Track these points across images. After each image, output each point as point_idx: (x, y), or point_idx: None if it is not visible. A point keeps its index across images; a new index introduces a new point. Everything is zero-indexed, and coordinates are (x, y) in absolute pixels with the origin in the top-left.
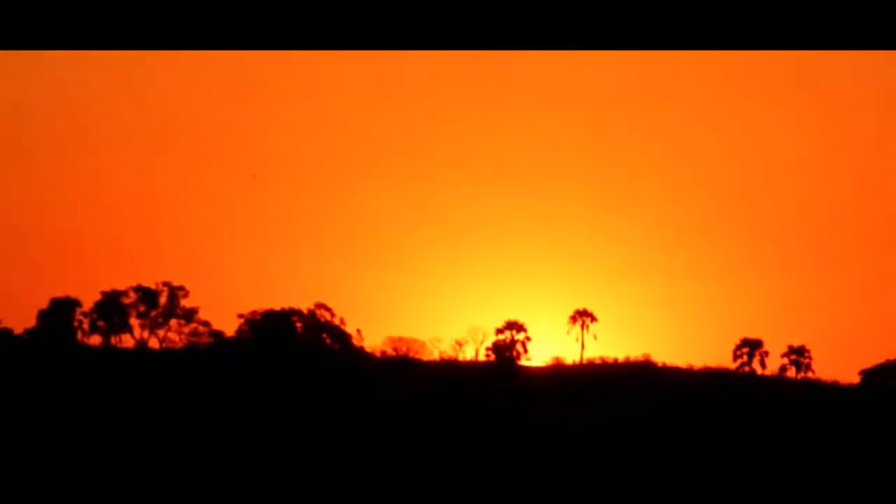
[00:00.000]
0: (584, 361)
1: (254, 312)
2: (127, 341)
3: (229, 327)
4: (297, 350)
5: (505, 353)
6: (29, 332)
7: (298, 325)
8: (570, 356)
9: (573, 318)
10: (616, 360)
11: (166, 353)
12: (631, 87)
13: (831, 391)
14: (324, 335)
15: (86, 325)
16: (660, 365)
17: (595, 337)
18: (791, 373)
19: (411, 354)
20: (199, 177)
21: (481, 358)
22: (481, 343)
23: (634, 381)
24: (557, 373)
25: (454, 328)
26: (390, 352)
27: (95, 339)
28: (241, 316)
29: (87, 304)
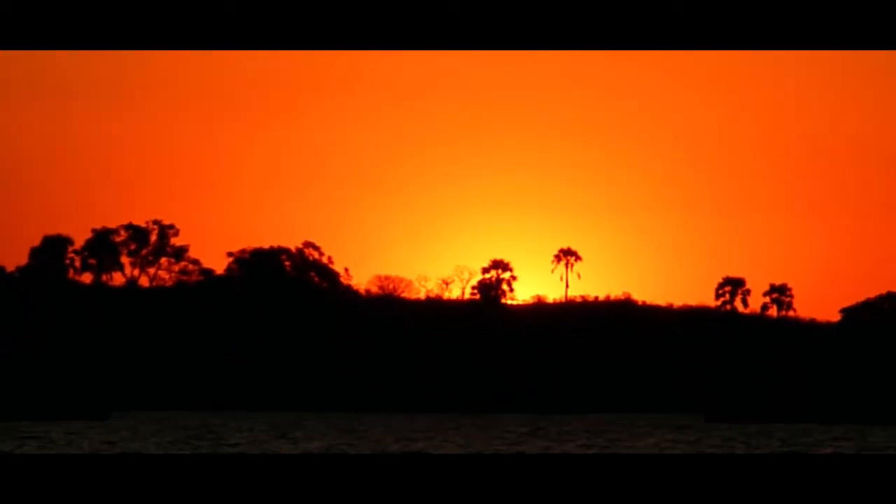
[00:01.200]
0: (566, 300)
1: (243, 251)
2: (118, 279)
3: (219, 265)
4: (285, 287)
5: (490, 291)
6: (21, 270)
7: (287, 263)
8: (554, 294)
9: (557, 258)
10: (597, 298)
11: (156, 291)
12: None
13: (811, 328)
14: (312, 273)
15: (77, 263)
16: (640, 303)
17: (579, 276)
18: (773, 311)
19: (398, 293)
20: (188, 117)
21: (467, 296)
22: (467, 282)
23: (615, 319)
24: (538, 311)
25: (441, 267)
26: (377, 290)
27: (86, 277)
28: (230, 254)
29: (79, 243)
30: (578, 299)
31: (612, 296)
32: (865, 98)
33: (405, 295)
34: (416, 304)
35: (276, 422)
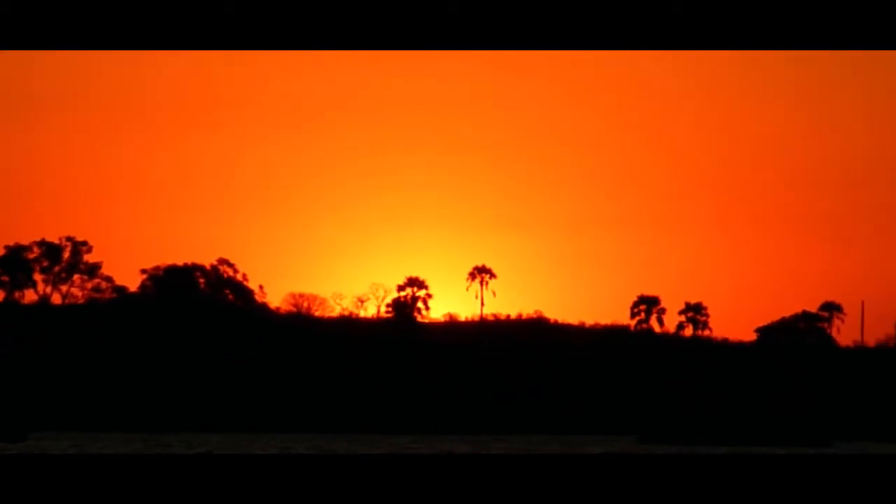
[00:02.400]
0: (477, 318)
1: (156, 268)
2: (30, 296)
3: (132, 282)
4: (199, 305)
5: (405, 309)
6: None
7: (201, 280)
8: (470, 312)
9: (472, 275)
10: (508, 316)
11: (69, 308)
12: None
13: (727, 349)
14: (226, 290)
15: None
16: (553, 322)
17: (494, 294)
18: (688, 330)
19: (312, 311)
20: (100, 133)
21: (382, 314)
22: (383, 300)
23: (529, 338)
24: (450, 330)
25: (356, 285)
26: (291, 308)
27: None
28: (144, 271)
29: None
30: (492, 317)
31: (525, 314)
32: (778, 116)
33: (319, 313)
34: (330, 322)
35: (192, 442)
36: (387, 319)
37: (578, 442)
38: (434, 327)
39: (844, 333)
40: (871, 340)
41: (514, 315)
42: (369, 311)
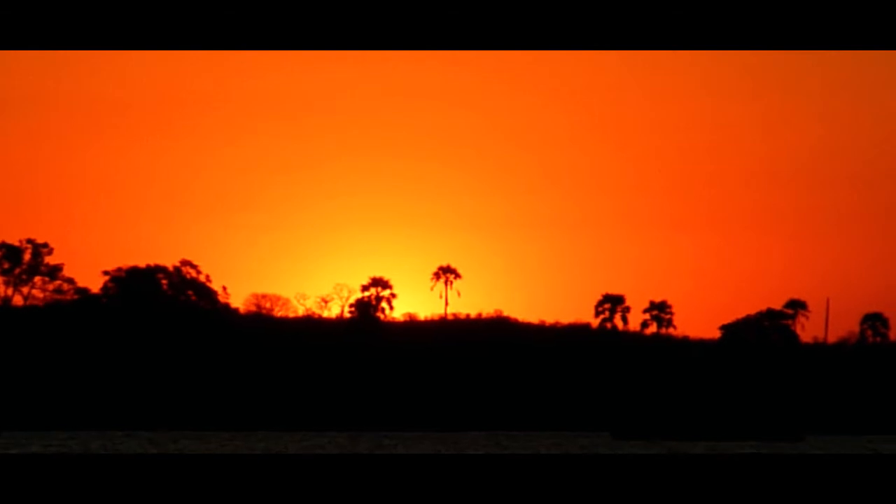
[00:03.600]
0: (438, 317)
1: (119, 269)
2: None
3: (94, 284)
4: (162, 306)
5: (367, 309)
6: None
7: (164, 282)
8: (434, 312)
9: (436, 275)
10: (469, 315)
11: (31, 310)
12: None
13: (691, 346)
14: (189, 292)
15: None
16: (515, 321)
17: (459, 293)
18: (652, 328)
19: (274, 311)
20: (61, 135)
21: (346, 314)
22: (347, 300)
23: (493, 337)
24: (412, 329)
25: (321, 285)
26: (254, 308)
27: None
28: (106, 273)
29: None
30: (451, 317)
31: (484, 314)
32: (740, 115)
33: (282, 313)
34: (293, 322)
35: (155, 441)
36: (350, 319)
37: (557, 438)
38: (396, 327)
39: (809, 331)
40: (833, 337)
41: (481, 314)
42: (333, 311)
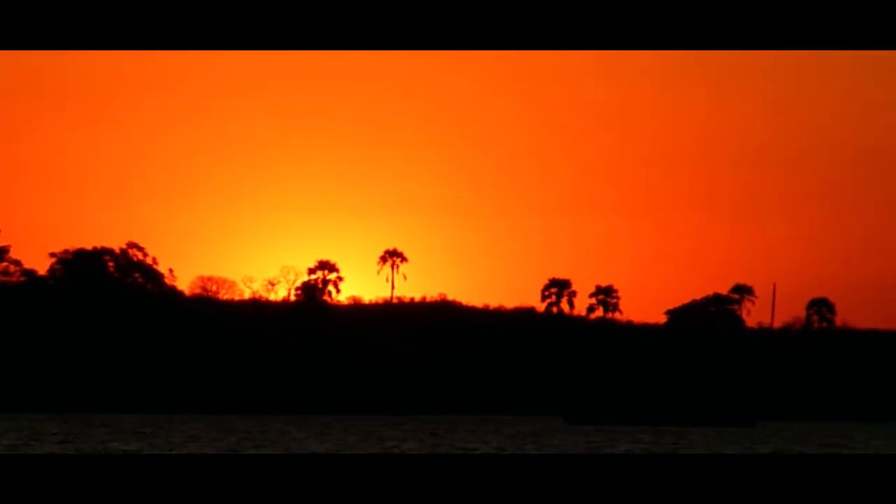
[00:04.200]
0: (382, 301)
1: (65, 251)
2: None
3: (41, 266)
4: (109, 289)
5: (313, 292)
6: None
7: (110, 264)
8: (380, 296)
9: (383, 259)
10: (413, 299)
11: None
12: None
13: (637, 330)
14: (136, 274)
15: None
16: (460, 304)
17: (405, 277)
18: (599, 313)
19: (219, 294)
20: (7, 120)
21: (292, 297)
22: (293, 283)
23: (438, 320)
24: (357, 312)
25: (267, 268)
26: (199, 291)
27: None
28: (52, 255)
29: None
30: (395, 300)
31: (429, 297)
32: (685, 99)
33: (227, 296)
34: (239, 305)
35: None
36: (296, 302)
37: (509, 421)
38: (342, 310)
39: (755, 316)
40: (779, 323)
41: (422, 297)
42: (280, 294)
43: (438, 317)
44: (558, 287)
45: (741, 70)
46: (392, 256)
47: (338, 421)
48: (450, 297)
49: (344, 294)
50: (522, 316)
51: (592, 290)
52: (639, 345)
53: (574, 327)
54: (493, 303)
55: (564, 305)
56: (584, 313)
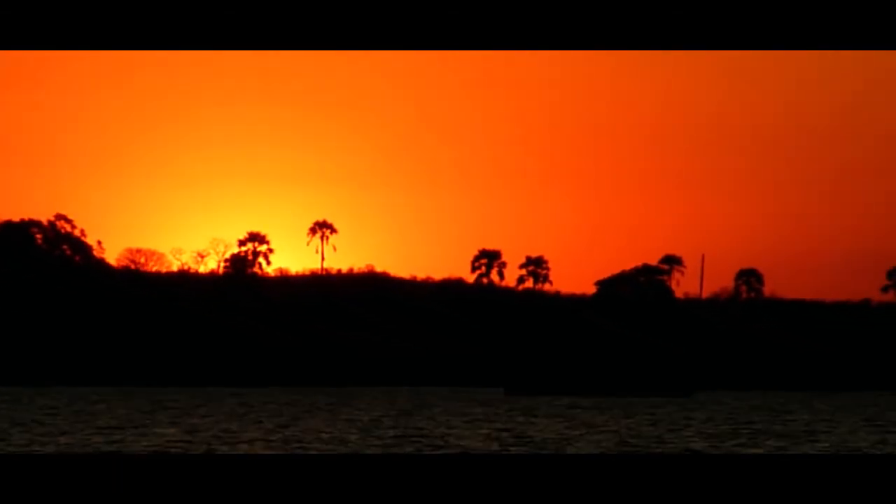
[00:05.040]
0: (309, 272)
1: None
2: None
3: None
4: (37, 261)
5: (240, 264)
6: None
7: (38, 236)
8: (310, 267)
9: (312, 230)
10: (340, 270)
11: None
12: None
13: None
14: (64, 246)
15: None
16: (389, 275)
17: (335, 248)
18: (529, 284)
19: (147, 266)
20: None
21: (221, 270)
22: (223, 255)
23: (367, 292)
24: (285, 284)
25: (197, 240)
26: (127, 263)
27: None
28: None
29: None
30: (322, 272)
31: (356, 269)
32: (618, 72)
33: (156, 268)
34: (167, 277)
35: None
36: (224, 274)
37: (445, 395)
38: (270, 282)
39: (683, 286)
40: (707, 293)
41: (350, 269)
42: (209, 266)
43: (366, 288)
44: (488, 258)
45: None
46: (322, 228)
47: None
48: (378, 269)
49: (274, 266)
50: (451, 287)
51: (522, 261)
52: (572, 315)
53: (504, 298)
54: (421, 274)
55: (495, 276)
56: (513, 284)
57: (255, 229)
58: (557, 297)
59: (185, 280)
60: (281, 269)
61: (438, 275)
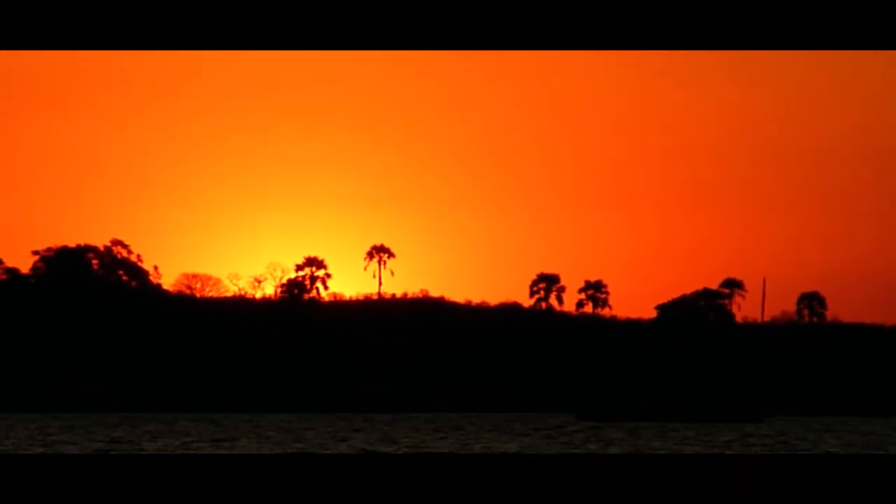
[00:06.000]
0: (363, 297)
1: (48, 249)
2: None
3: (24, 264)
4: (93, 287)
5: (294, 289)
6: None
7: (94, 262)
8: (366, 291)
9: (370, 255)
10: (394, 295)
11: None
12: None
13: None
14: (120, 272)
15: None
16: (442, 299)
17: (392, 273)
18: (588, 308)
19: (203, 292)
20: None
21: (279, 295)
22: (280, 279)
23: (427, 317)
24: (345, 309)
25: (254, 265)
26: (184, 289)
27: None
28: (35, 253)
29: None
30: (376, 296)
31: (410, 293)
32: (675, 96)
33: (213, 293)
34: (224, 302)
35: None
36: (281, 299)
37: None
38: (326, 307)
39: (745, 310)
40: (769, 317)
41: (403, 293)
42: (266, 291)
43: (425, 313)
44: (547, 282)
45: (734, 67)
46: (379, 252)
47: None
48: (433, 293)
49: (332, 291)
50: (507, 311)
51: (581, 285)
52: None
53: (564, 323)
54: (476, 299)
55: (553, 301)
56: (573, 309)
57: (313, 254)
58: (614, 322)
59: (243, 305)
60: (335, 294)
61: (495, 299)
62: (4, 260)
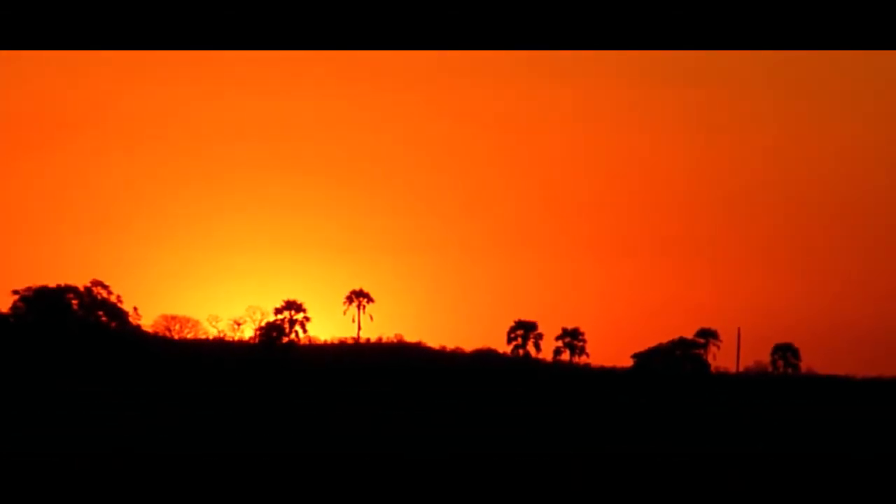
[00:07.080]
0: (337, 341)
1: (28, 289)
2: None
3: (3, 304)
4: (72, 327)
5: (272, 332)
6: None
7: (74, 302)
8: (344, 335)
9: (349, 299)
10: (368, 340)
11: None
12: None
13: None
14: (100, 312)
15: None
16: (418, 345)
17: (371, 318)
18: (565, 356)
19: (182, 333)
20: None
21: (257, 338)
22: (259, 322)
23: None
24: (321, 352)
25: (234, 308)
26: (163, 330)
27: None
28: (15, 292)
29: None
30: (351, 341)
31: (385, 338)
32: (655, 143)
33: (191, 335)
34: (203, 344)
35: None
36: (260, 342)
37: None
38: (302, 350)
39: (720, 360)
40: (743, 367)
41: (377, 338)
42: (246, 333)
43: (400, 358)
44: (525, 329)
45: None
46: (359, 297)
47: None
48: (409, 339)
49: (312, 334)
50: (484, 357)
51: (559, 332)
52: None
53: (540, 369)
54: (451, 345)
55: (531, 348)
56: (550, 356)
57: (293, 297)
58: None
59: (222, 348)
60: (311, 339)
61: (471, 346)
62: None
